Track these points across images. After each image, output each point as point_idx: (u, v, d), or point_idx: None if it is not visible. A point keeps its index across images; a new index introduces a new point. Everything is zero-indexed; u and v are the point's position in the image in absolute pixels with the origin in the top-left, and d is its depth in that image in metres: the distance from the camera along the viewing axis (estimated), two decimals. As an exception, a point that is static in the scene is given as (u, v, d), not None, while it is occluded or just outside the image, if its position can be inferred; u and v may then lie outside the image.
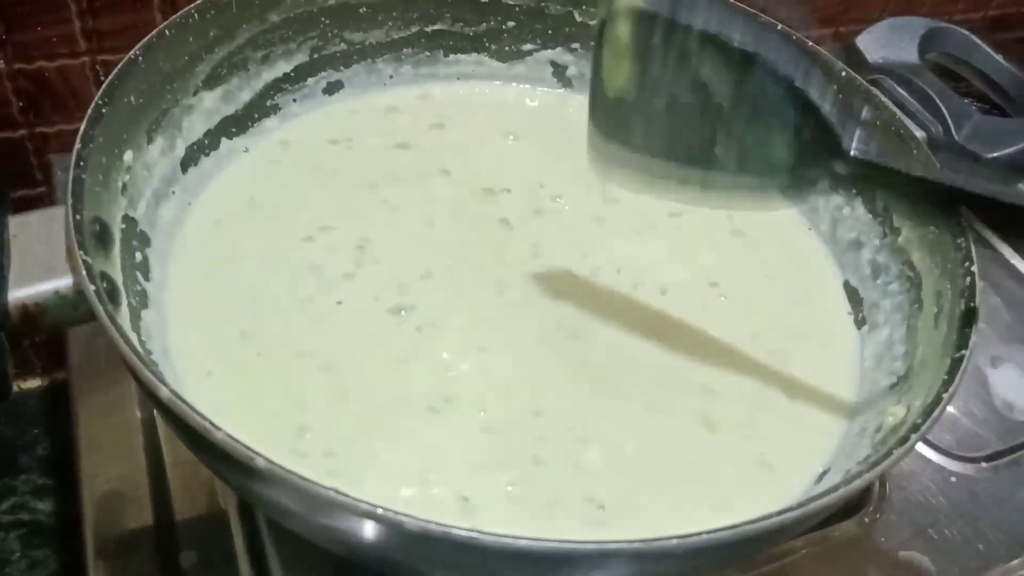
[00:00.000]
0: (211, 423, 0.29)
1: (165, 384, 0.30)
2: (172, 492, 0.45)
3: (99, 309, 0.31)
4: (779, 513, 0.29)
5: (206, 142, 0.48)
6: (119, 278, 0.38)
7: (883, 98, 0.48)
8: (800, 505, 0.30)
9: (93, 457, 0.46)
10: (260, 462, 0.28)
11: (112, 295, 0.36)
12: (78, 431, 0.47)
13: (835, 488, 0.31)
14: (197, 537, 0.43)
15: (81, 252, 0.33)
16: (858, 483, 0.31)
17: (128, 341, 0.31)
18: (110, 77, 0.40)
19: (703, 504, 0.38)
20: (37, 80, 0.57)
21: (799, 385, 0.43)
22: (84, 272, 0.32)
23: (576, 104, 0.57)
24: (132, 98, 0.41)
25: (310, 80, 0.52)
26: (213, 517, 0.44)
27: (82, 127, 0.38)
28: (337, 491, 0.28)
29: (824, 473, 0.39)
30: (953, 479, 0.51)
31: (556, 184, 0.51)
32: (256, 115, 0.50)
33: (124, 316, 0.37)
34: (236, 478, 0.31)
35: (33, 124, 0.59)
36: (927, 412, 0.34)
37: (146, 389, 0.31)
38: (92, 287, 0.32)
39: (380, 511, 0.27)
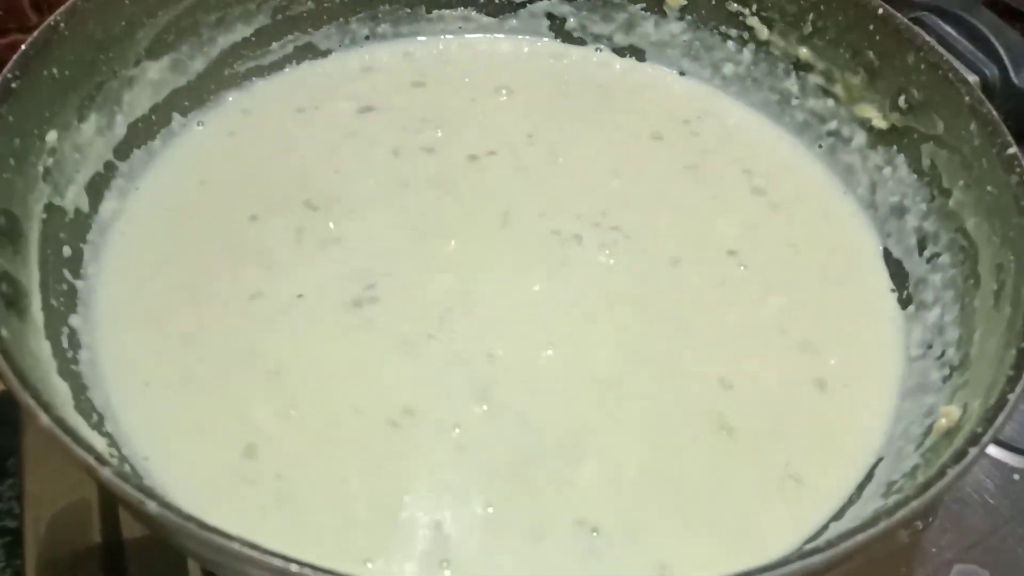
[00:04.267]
0: (97, 458, 0.24)
1: (47, 411, 0.25)
2: (121, 508, 0.40)
3: (-22, 321, 0.27)
4: (782, 563, 0.23)
5: (153, 118, 0.43)
6: (33, 277, 0.33)
7: (928, 38, 0.41)
8: (813, 552, 0.24)
9: (38, 470, 0.42)
10: (155, 507, 0.23)
11: (14, 300, 0.31)
12: (23, 442, 0.43)
13: (868, 524, 0.25)
14: (145, 556, 0.39)
15: (-34, 253, 0.28)
16: (902, 513, 0.25)
17: (13, 361, 0.26)
18: (23, 47, 0.35)
19: (717, 526, 0.32)
20: (-13, 57, 0.53)
21: (832, 378, 0.37)
22: (-35, 277, 0.28)
23: (576, 55, 0.51)
24: (55, 70, 0.37)
25: (274, 44, 0.47)
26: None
27: (-17, 107, 0.33)
28: (255, 546, 0.23)
29: (863, 485, 0.33)
30: (1016, 476, 0.44)
31: (551, 140, 0.45)
32: (212, 86, 0.45)
33: (34, 322, 0.32)
34: (149, 526, 0.26)
35: (-13, 106, 0.54)
36: (989, 418, 0.28)
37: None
38: (-27, 295, 0.27)
39: (295, 568, 0.22)
